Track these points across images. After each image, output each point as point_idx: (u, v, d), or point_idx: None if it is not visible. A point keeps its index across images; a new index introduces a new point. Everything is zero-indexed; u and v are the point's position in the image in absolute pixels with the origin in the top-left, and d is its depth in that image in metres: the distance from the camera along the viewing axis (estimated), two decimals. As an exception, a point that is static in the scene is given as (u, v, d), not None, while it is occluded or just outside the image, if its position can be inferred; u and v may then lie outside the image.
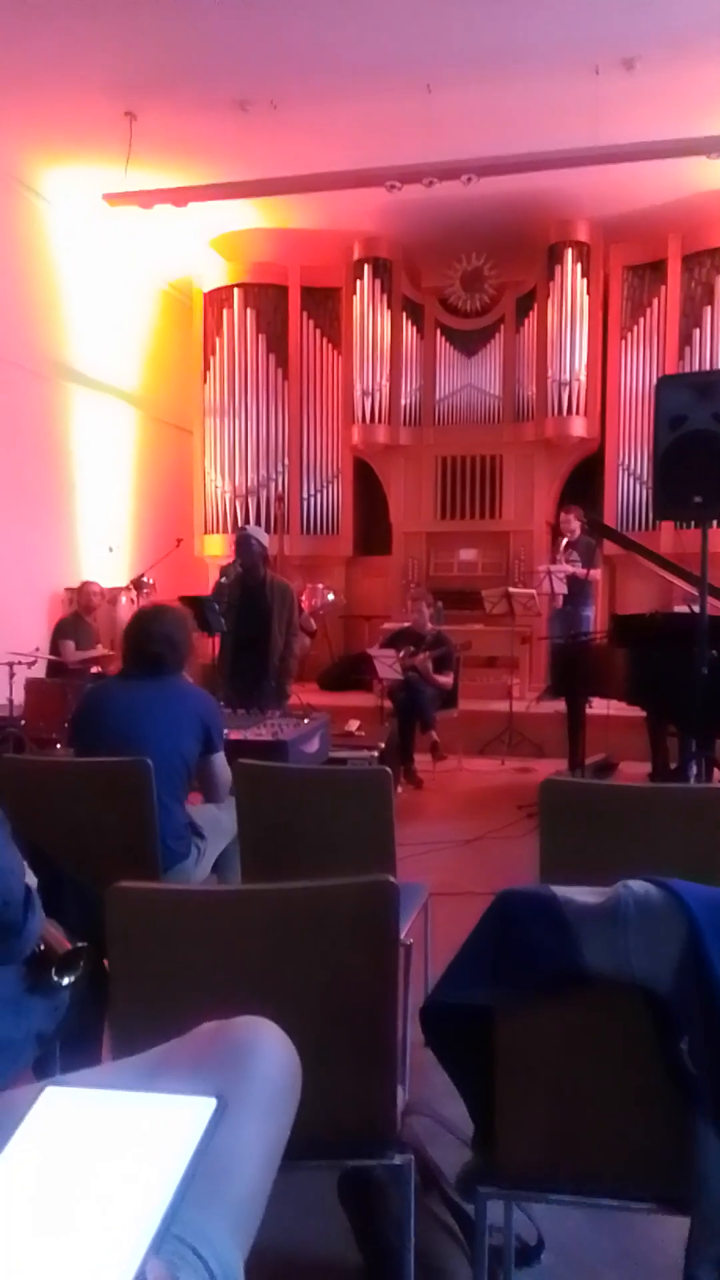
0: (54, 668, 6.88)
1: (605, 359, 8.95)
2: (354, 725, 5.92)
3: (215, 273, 9.63)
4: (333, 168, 7.10)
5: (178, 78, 6.35)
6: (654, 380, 8.30)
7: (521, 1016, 1.36)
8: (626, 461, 8.92)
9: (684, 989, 1.27)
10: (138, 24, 5.74)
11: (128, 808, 2.59)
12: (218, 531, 9.55)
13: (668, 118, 6.60)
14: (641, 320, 8.88)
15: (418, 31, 5.86)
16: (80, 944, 1.68)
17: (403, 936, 2.13)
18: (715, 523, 3.77)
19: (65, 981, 1.65)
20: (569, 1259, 1.85)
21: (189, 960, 1.51)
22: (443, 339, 9.37)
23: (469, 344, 9.31)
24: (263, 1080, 0.92)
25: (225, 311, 9.57)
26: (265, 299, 9.54)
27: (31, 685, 6.33)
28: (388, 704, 6.69)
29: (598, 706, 6.02)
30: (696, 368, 8.32)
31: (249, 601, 5.45)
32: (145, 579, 7.95)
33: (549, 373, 8.79)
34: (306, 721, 4.13)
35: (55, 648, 7.03)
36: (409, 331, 9.34)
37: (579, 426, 8.83)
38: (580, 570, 7.53)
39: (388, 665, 6.48)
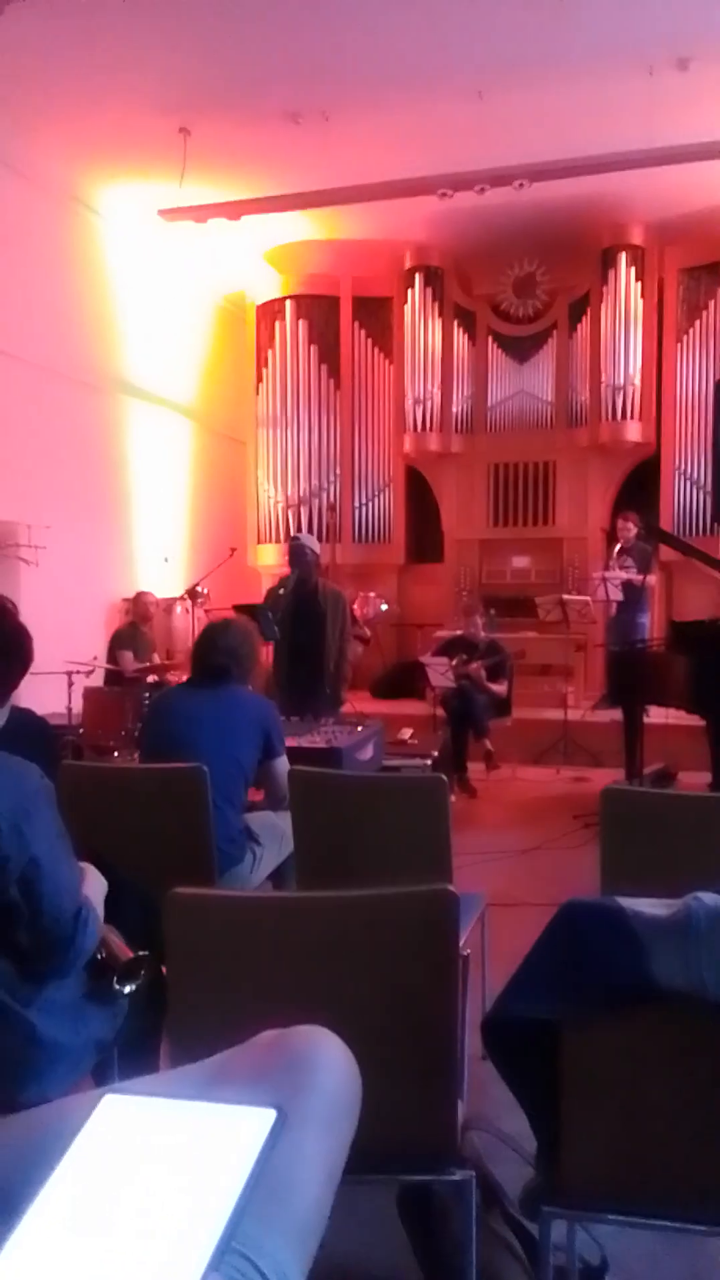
0: (111, 677, 6.96)
1: (660, 362, 8.83)
2: (407, 733, 5.89)
3: (268, 285, 9.71)
4: (384, 177, 7.12)
5: (230, 92, 6.42)
6: (711, 383, 8.21)
7: (589, 1031, 1.32)
8: (683, 466, 8.77)
9: (758, 1005, 1.22)
10: (190, 40, 5.82)
11: (183, 813, 2.61)
12: (271, 541, 9.61)
13: (724, 117, 6.50)
14: (698, 323, 8.75)
15: (468, 38, 5.85)
16: (142, 952, 1.68)
17: (460, 948, 2.09)
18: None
19: (126, 990, 1.65)
20: (635, 1281, 1.79)
21: (246, 967, 1.49)
22: (495, 346, 9.33)
23: (521, 350, 9.25)
24: (324, 1092, 0.90)
25: (278, 323, 9.64)
26: (317, 310, 9.58)
27: (90, 694, 6.41)
28: (440, 712, 6.64)
29: (655, 715, 5.90)
30: (755, 370, 8.17)
31: (303, 609, 5.46)
32: (200, 589, 8.02)
33: (603, 377, 8.70)
34: (360, 729, 4.12)
35: (113, 657, 7.12)
36: (460, 339, 9.32)
37: (634, 431, 8.72)
38: (636, 576, 7.42)
39: (440, 673, 6.44)
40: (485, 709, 6.43)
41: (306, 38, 5.83)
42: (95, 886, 1.80)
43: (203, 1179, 0.70)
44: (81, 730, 6.20)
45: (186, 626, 8.20)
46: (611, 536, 8.11)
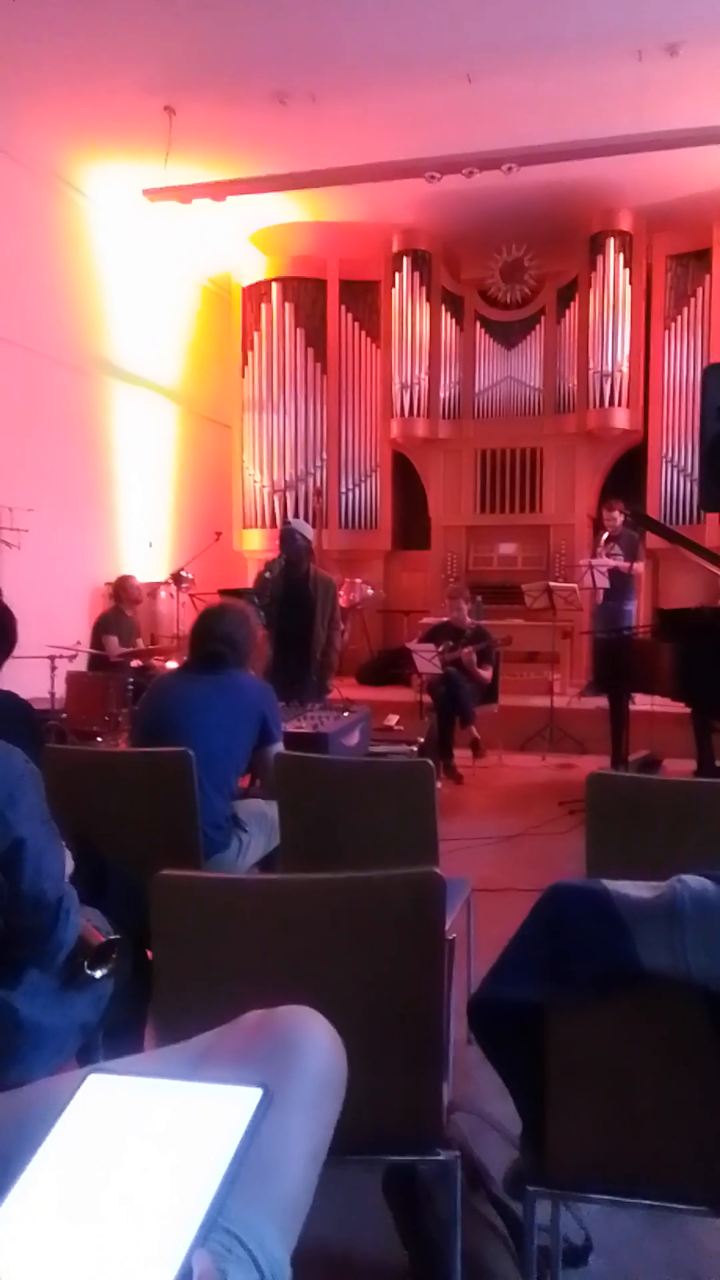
0: (95, 661, 6.93)
1: (648, 349, 8.82)
2: (393, 720, 5.90)
3: (254, 267, 9.64)
4: (372, 159, 7.06)
5: (216, 72, 6.35)
6: (699, 371, 8.20)
7: (573, 1013, 1.32)
8: (670, 454, 8.79)
9: (743, 987, 1.23)
10: (176, 19, 5.75)
11: (169, 798, 2.60)
12: (257, 526, 9.57)
13: (712, 103, 6.48)
14: (685, 310, 8.75)
15: (457, 21, 5.80)
16: (113, 937, 1.67)
17: (446, 932, 2.10)
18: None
19: (98, 974, 1.64)
20: (617, 1262, 1.80)
21: (232, 950, 1.49)
22: (482, 331, 9.30)
23: (509, 336, 9.23)
24: (309, 1071, 0.90)
25: (264, 306, 9.57)
26: (304, 293, 9.52)
27: (73, 679, 6.38)
28: (427, 699, 6.65)
29: (641, 702, 5.93)
30: (742, 357, 8.18)
31: (292, 595, 5.44)
32: (184, 573, 7.99)
33: (591, 364, 8.69)
34: (347, 715, 4.11)
35: (97, 642, 7.08)
36: (448, 324, 9.28)
37: (621, 418, 8.72)
38: (623, 564, 7.43)
39: (427, 660, 6.44)
40: (471, 696, 6.43)
41: (294, 18, 5.76)
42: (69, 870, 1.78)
43: (188, 1157, 0.70)
44: (64, 715, 6.18)
45: (171, 611, 8.18)
46: (599, 524, 8.12)
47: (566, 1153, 1.37)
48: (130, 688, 6.15)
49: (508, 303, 9.23)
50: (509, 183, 7.16)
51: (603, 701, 6.14)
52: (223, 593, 6.90)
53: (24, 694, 2.81)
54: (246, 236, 9.29)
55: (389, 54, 6.16)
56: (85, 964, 1.64)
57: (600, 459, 9.10)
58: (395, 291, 9.18)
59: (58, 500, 7.49)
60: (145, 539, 8.96)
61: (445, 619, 6.99)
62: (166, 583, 8.22)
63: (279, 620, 5.37)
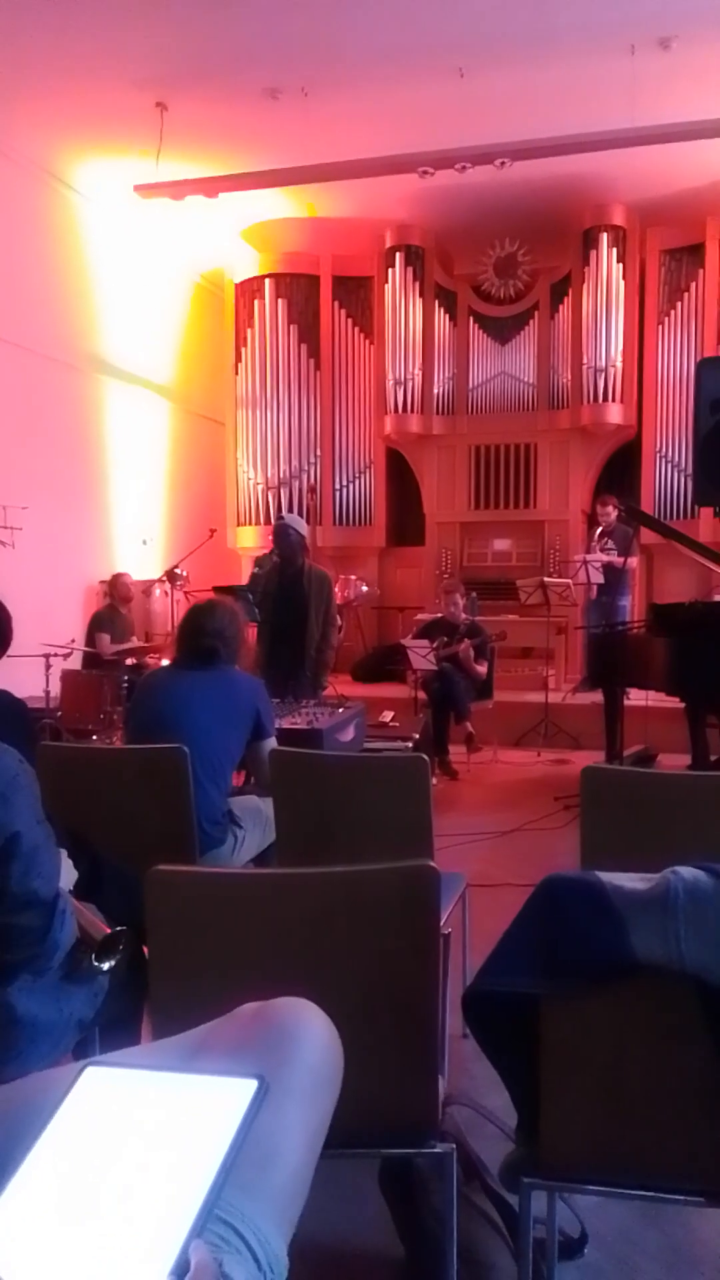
0: (89, 659, 6.92)
1: (642, 344, 8.83)
2: (388, 716, 5.90)
3: (247, 264, 9.62)
4: (364, 155, 7.05)
5: (208, 68, 6.34)
6: (692, 366, 8.21)
7: (568, 1005, 1.33)
8: (664, 449, 8.80)
9: (736, 977, 1.23)
10: (167, 15, 5.73)
11: (164, 793, 2.60)
12: (251, 523, 9.56)
13: (705, 98, 6.48)
14: (679, 304, 8.75)
15: (449, 15, 5.79)
16: (119, 927, 1.67)
17: (441, 926, 2.10)
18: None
19: (105, 966, 1.64)
20: (612, 1253, 1.81)
21: (228, 944, 1.49)
22: (476, 326, 9.30)
23: (503, 331, 9.23)
24: (305, 1062, 0.90)
25: (257, 302, 9.56)
26: (297, 289, 9.51)
27: (67, 677, 6.37)
28: (421, 695, 6.65)
29: (635, 697, 5.94)
30: (735, 352, 8.18)
31: (286, 591, 5.43)
32: (179, 570, 7.98)
33: (584, 359, 8.69)
34: (342, 711, 4.11)
35: (91, 640, 7.08)
36: (442, 319, 9.28)
37: (615, 413, 8.73)
38: (617, 559, 7.44)
39: (421, 656, 6.44)
40: (466, 692, 6.44)
41: (285, 13, 5.75)
42: (64, 877, 1.77)
43: (186, 1148, 0.70)
44: (59, 713, 6.17)
45: (165, 609, 8.17)
46: (593, 519, 8.13)
47: (561, 1144, 1.38)
48: (125, 685, 6.15)
49: (501, 298, 9.23)
50: (502, 178, 7.16)
51: (597, 696, 6.15)
52: (216, 589, 6.89)
53: (18, 692, 2.81)
54: (239, 232, 9.27)
55: (381, 49, 6.15)
56: (93, 956, 1.64)
57: (594, 454, 9.10)
58: (388, 287, 9.17)
59: (51, 498, 7.48)
60: (139, 536, 8.94)
61: (440, 615, 6.99)
62: (161, 580, 8.22)
63: (273, 616, 5.37)
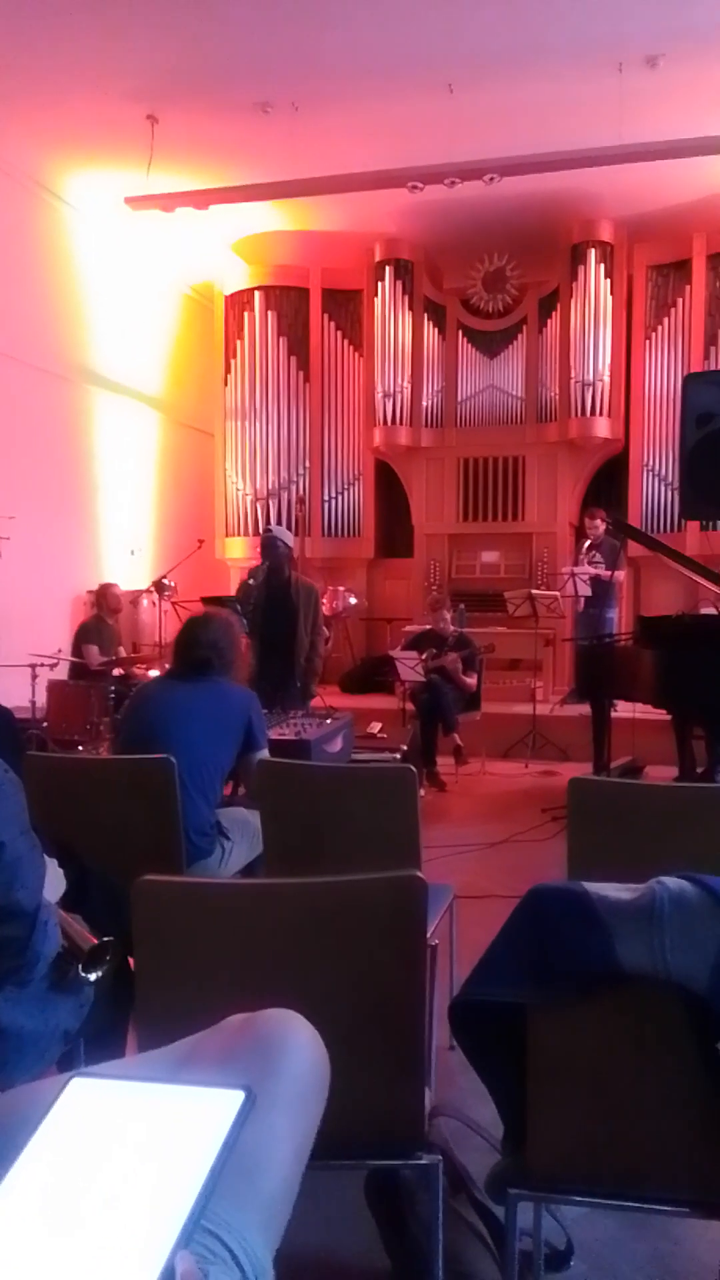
0: (76, 670, 6.90)
1: (629, 359, 8.89)
2: (376, 727, 5.91)
3: (236, 276, 9.66)
4: (354, 169, 7.09)
5: (199, 81, 6.37)
6: (679, 381, 8.28)
7: (554, 1015, 1.33)
8: (651, 463, 8.85)
9: (721, 987, 1.24)
10: (159, 28, 5.76)
11: (152, 804, 2.59)
12: (239, 534, 9.57)
13: (692, 115, 6.55)
14: (666, 320, 8.83)
15: (439, 31, 5.84)
16: (106, 938, 1.66)
17: (428, 937, 2.10)
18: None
19: (92, 977, 1.63)
20: (598, 1264, 1.81)
21: (215, 955, 1.49)
22: (465, 340, 9.35)
23: (491, 345, 9.28)
24: (292, 1073, 0.90)
25: (246, 314, 9.59)
26: (286, 301, 9.55)
27: (54, 687, 6.35)
28: (410, 706, 6.66)
29: (623, 709, 5.96)
30: (721, 367, 8.26)
31: (275, 602, 5.44)
32: (166, 581, 7.96)
33: (572, 373, 8.74)
34: (330, 721, 4.12)
35: (78, 650, 7.05)
36: (430, 333, 9.32)
37: (603, 427, 8.78)
38: (605, 572, 7.48)
39: (410, 667, 6.45)
40: (454, 703, 6.45)
41: (277, 28, 5.79)
42: (51, 887, 1.76)
43: (172, 1159, 0.70)
44: (45, 724, 6.15)
45: (153, 619, 8.15)
46: (581, 532, 8.17)
47: (547, 1154, 1.38)
48: (111, 696, 6.13)
49: (490, 312, 9.29)
50: (491, 193, 7.22)
51: (585, 708, 6.17)
52: (205, 600, 6.89)
53: (5, 702, 2.81)
54: (229, 245, 9.31)
55: (371, 64, 6.20)
56: (80, 967, 1.63)
57: (582, 468, 9.15)
58: (378, 300, 9.22)
59: (39, 508, 7.47)
60: (127, 547, 8.93)
61: (428, 627, 7.01)
62: (148, 591, 8.20)
63: (262, 627, 5.37)
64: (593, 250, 8.66)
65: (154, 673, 6.70)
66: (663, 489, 8.75)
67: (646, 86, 6.28)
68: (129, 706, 3.16)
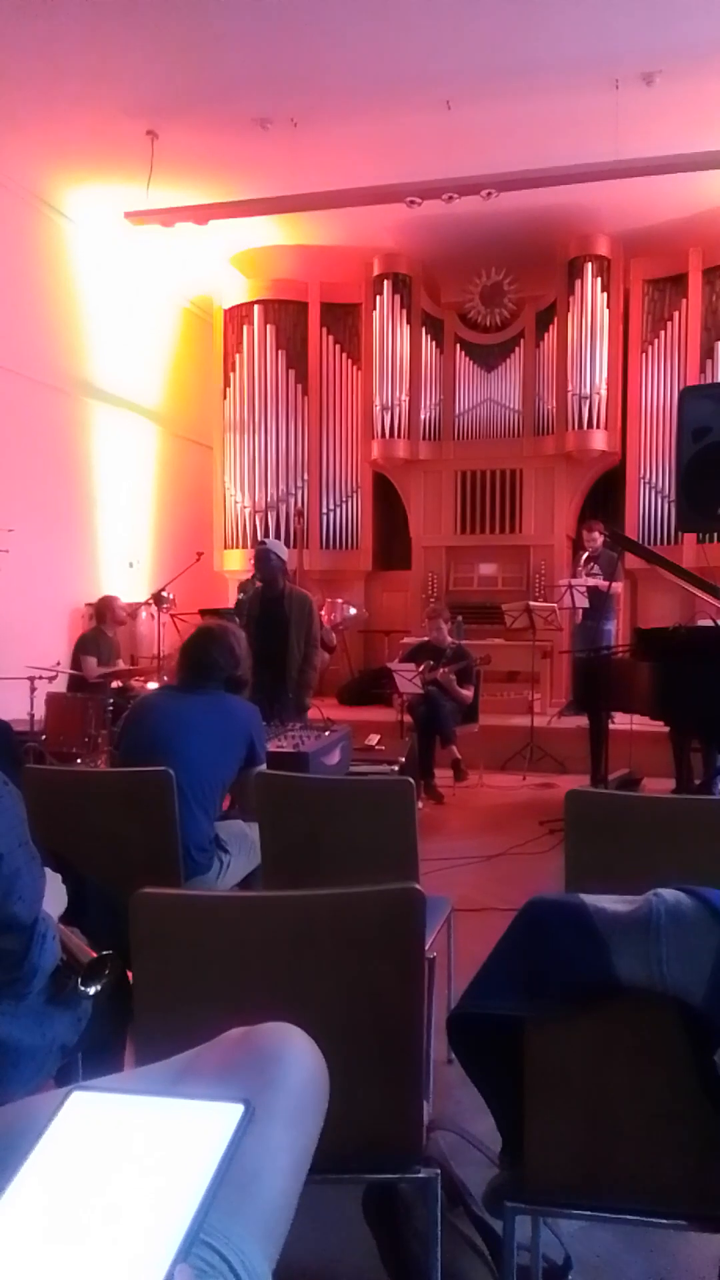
0: (75, 682, 6.90)
1: (626, 373, 8.93)
2: (374, 740, 5.90)
3: (235, 289, 9.70)
4: (353, 184, 7.14)
5: (199, 97, 6.42)
6: (675, 394, 8.32)
7: (551, 1027, 1.33)
8: (648, 475, 8.89)
9: (718, 1000, 1.24)
10: (159, 44, 5.81)
11: (150, 817, 2.59)
12: (238, 546, 9.58)
13: (688, 132, 6.60)
14: (662, 334, 8.87)
15: (437, 48, 5.89)
16: (106, 951, 1.66)
17: (426, 950, 2.10)
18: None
19: (91, 990, 1.63)
20: (596, 1278, 1.81)
21: (213, 967, 1.49)
22: (462, 354, 9.39)
23: (489, 358, 9.32)
24: (291, 1086, 0.91)
25: (245, 328, 9.63)
26: (285, 315, 9.59)
27: (52, 700, 6.35)
28: (407, 719, 6.66)
29: (620, 721, 5.97)
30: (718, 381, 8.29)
31: (268, 615, 5.45)
32: (165, 594, 7.97)
33: (569, 387, 8.78)
34: (327, 734, 4.12)
35: (76, 662, 7.05)
36: (429, 346, 9.37)
37: (600, 440, 8.81)
38: (602, 584, 7.50)
39: (408, 679, 6.46)
40: (452, 715, 6.45)
41: (276, 44, 5.84)
42: (53, 901, 1.76)
43: (171, 1172, 0.71)
44: (44, 736, 6.14)
45: (151, 632, 8.16)
46: (578, 544, 8.18)
47: (545, 1167, 1.38)
48: (110, 709, 6.13)
49: (487, 326, 9.34)
50: (488, 208, 7.27)
51: (582, 720, 6.18)
52: (203, 613, 6.90)
53: (3, 714, 2.81)
54: (228, 259, 9.36)
55: (370, 80, 6.25)
56: (79, 980, 1.62)
57: (579, 480, 9.18)
58: (376, 314, 9.26)
59: (38, 520, 7.48)
60: (126, 559, 8.95)
61: (426, 639, 7.01)
62: (147, 603, 8.20)
63: (256, 640, 5.37)
64: (589, 264, 8.71)
65: (152, 685, 6.70)
66: (659, 501, 8.78)
67: (643, 103, 6.34)
68: (130, 716, 3.14)
